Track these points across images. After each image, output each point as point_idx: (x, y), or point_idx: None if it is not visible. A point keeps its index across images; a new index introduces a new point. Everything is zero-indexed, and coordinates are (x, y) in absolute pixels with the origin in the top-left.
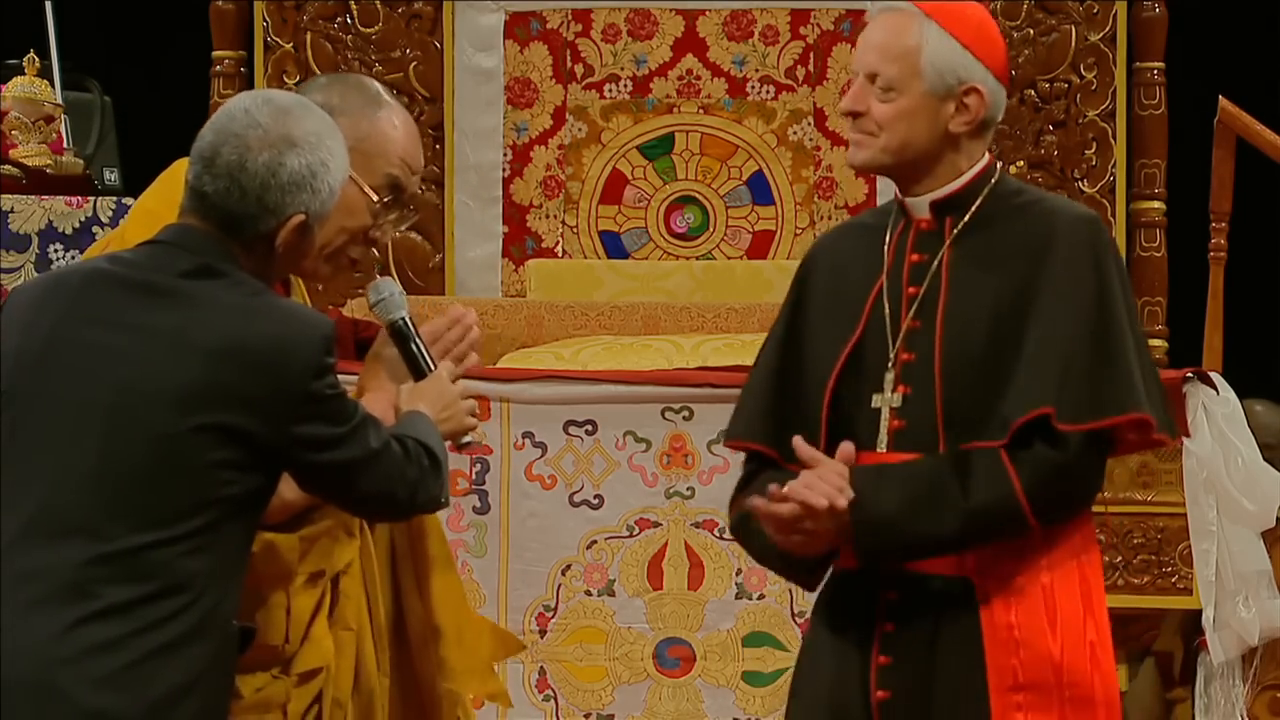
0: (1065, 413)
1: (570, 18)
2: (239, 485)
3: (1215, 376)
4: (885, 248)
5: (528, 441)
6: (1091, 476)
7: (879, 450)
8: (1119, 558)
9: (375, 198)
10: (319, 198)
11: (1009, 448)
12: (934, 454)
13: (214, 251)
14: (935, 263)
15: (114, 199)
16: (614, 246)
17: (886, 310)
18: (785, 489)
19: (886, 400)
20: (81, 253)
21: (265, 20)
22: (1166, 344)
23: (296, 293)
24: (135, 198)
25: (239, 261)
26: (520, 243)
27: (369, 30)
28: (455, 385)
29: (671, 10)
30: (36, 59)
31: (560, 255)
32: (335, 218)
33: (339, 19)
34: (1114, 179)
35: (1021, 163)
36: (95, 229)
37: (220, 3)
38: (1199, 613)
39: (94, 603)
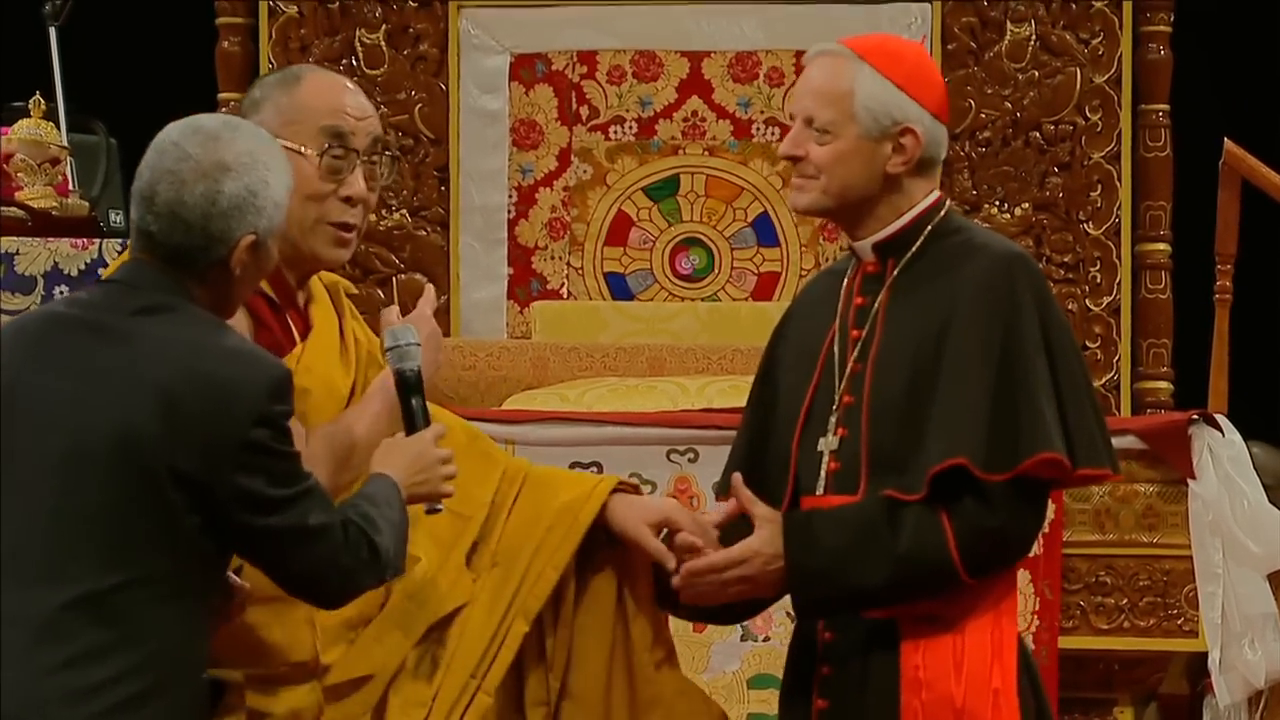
0: (981, 461)
1: (575, 60)
2: (196, 530)
3: (1220, 418)
4: (842, 292)
5: None
6: (1025, 526)
7: (818, 493)
8: (1124, 600)
9: (310, 151)
10: (265, 215)
11: (939, 499)
12: (864, 501)
13: (165, 286)
14: (875, 305)
15: (119, 241)
16: (619, 288)
17: (837, 354)
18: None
19: (828, 443)
20: None
21: (271, 62)
22: (1172, 386)
23: (322, 307)
24: None
25: (192, 294)
26: (525, 284)
27: (374, 72)
28: (438, 450)
29: (677, 53)
30: (42, 101)
31: (565, 297)
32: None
33: (344, 60)
34: (1119, 221)
35: (1027, 205)
36: (101, 271)
37: (226, 45)
38: (1205, 655)
39: (60, 650)
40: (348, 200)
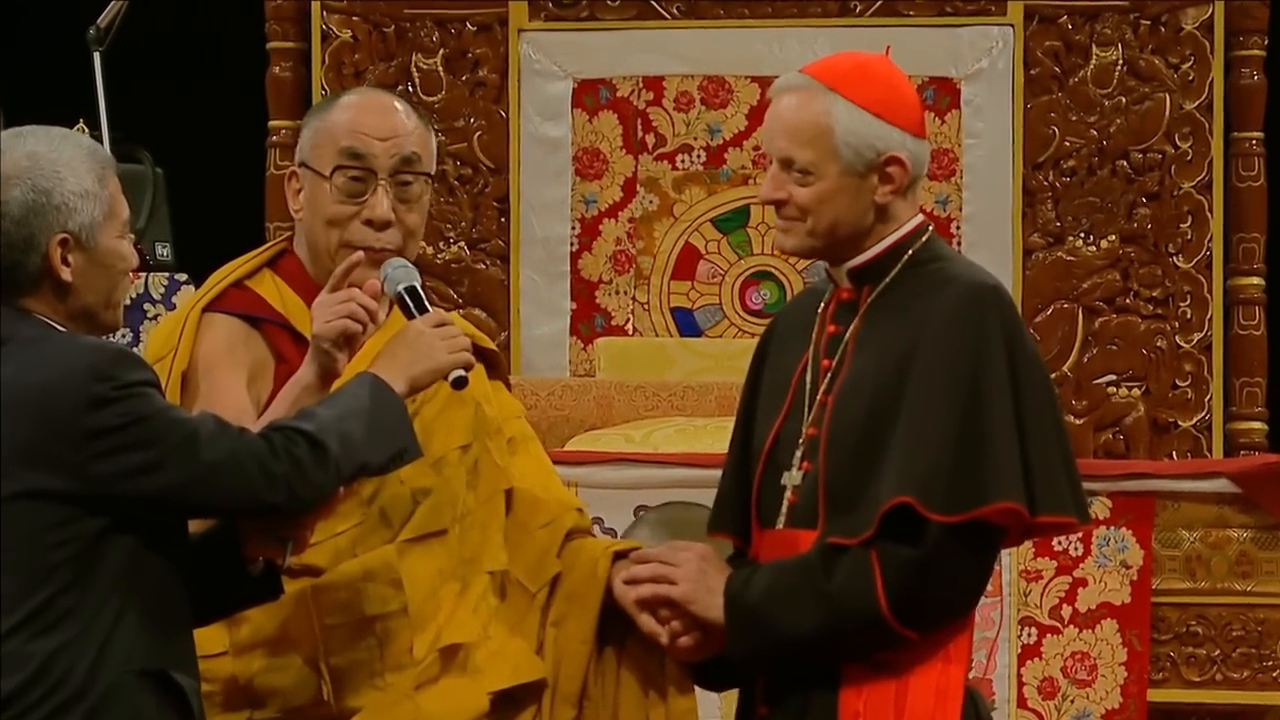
0: (930, 501)
1: (641, 86)
2: (72, 546)
3: None
4: (817, 319)
5: (597, 527)
6: (962, 574)
7: (778, 527)
8: (1217, 651)
9: (326, 173)
10: (68, 212)
11: (882, 541)
12: (813, 548)
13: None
14: (847, 334)
15: (166, 274)
16: (687, 324)
17: (808, 385)
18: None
19: (791, 478)
20: (133, 329)
21: (324, 89)
22: (1266, 427)
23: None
24: (188, 273)
25: (36, 311)
26: (589, 320)
27: (431, 99)
28: (427, 328)
29: (747, 78)
30: (86, 129)
31: (631, 333)
32: (312, 216)
33: (400, 87)
34: (1210, 254)
35: (1114, 237)
36: (147, 305)
37: (277, 70)
38: None
39: None
40: (369, 223)
